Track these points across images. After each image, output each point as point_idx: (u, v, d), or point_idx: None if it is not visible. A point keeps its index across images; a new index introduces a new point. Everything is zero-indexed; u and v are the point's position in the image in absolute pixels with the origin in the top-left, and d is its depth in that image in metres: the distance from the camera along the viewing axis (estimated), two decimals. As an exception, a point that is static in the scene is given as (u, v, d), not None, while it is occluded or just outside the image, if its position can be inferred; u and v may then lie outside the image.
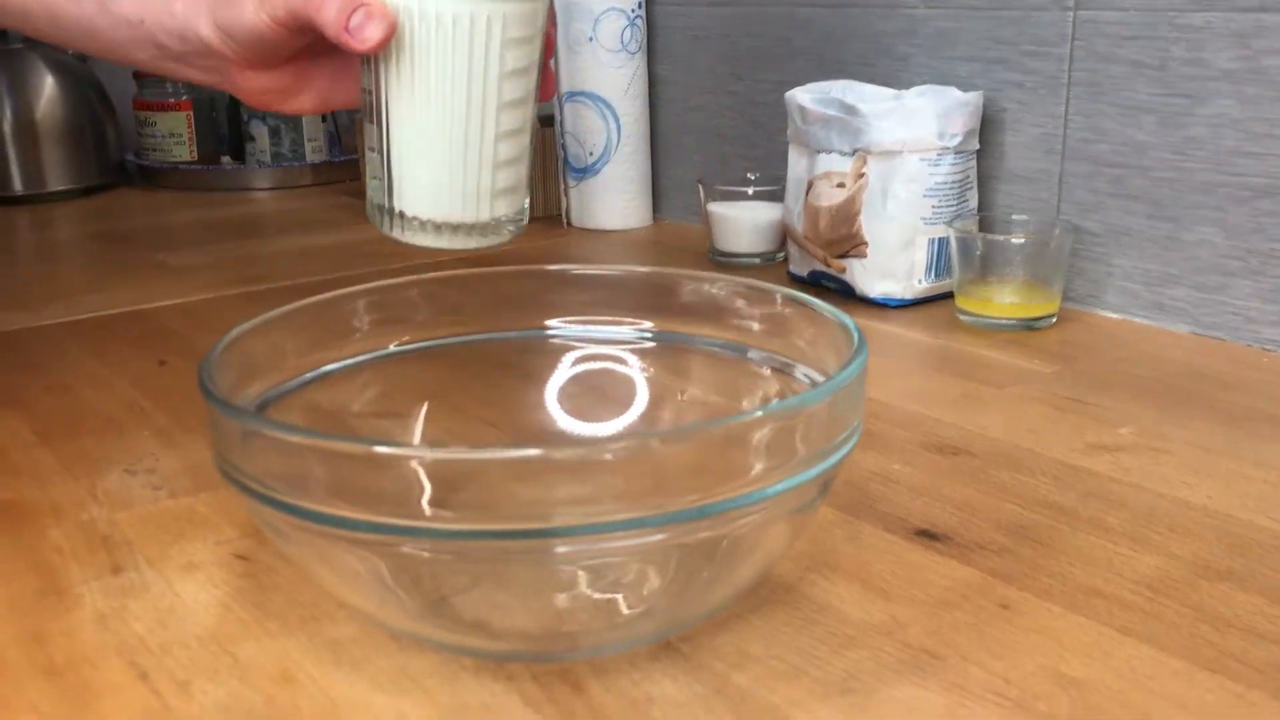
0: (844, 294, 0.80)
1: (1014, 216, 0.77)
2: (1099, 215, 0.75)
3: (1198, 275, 0.71)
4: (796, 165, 0.83)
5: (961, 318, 0.74)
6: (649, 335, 0.50)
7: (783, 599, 0.42)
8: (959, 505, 0.49)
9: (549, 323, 0.51)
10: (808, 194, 0.81)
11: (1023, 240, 0.74)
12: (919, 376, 0.66)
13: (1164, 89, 0.70)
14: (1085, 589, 0.42)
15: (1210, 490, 0.50)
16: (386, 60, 0.50)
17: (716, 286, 0.48)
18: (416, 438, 0.48)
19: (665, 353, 0.50)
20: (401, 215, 0.52)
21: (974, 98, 0.77)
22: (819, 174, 0.80)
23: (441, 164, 0.51)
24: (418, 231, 0.53)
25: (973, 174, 0.79)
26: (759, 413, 0.36)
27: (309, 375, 0.46)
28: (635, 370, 0.50)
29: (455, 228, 0.53)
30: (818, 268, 0.82)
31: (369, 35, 0.49)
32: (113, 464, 0.55)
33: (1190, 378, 0.64)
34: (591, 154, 1.03)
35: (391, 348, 0.49)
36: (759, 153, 0.98)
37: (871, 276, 0.78)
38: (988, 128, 0.79)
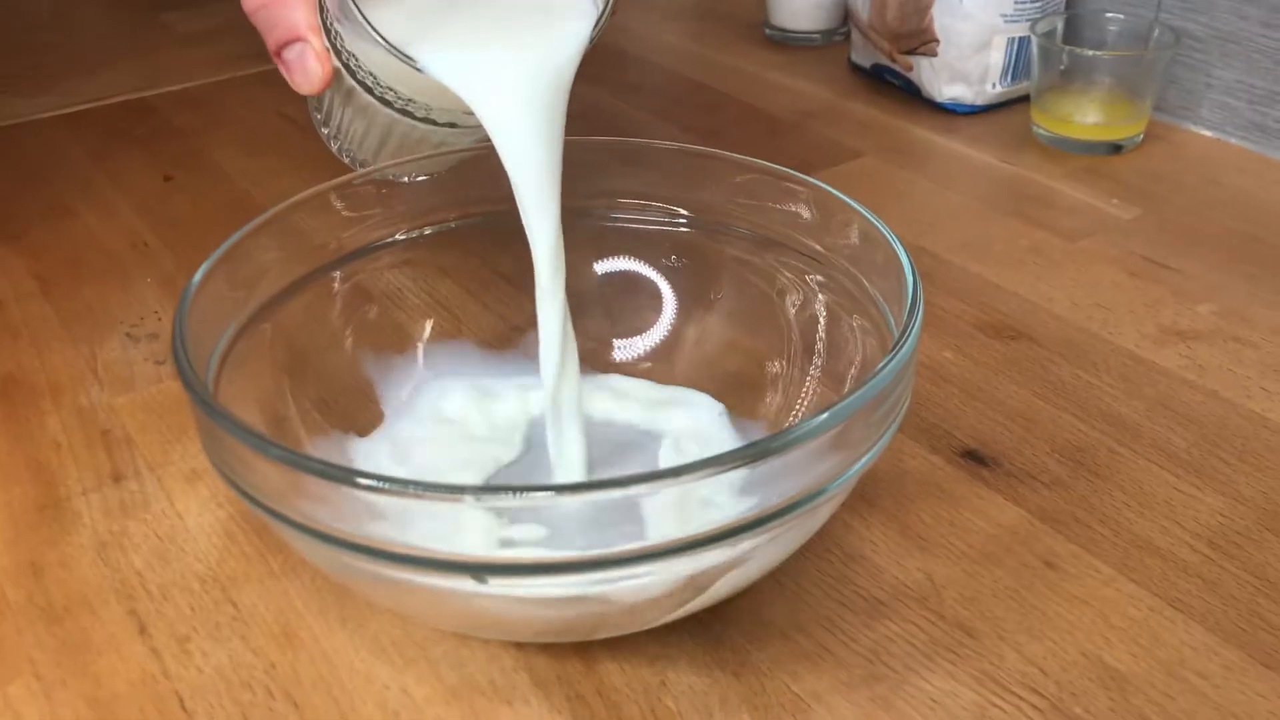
0: (909, 93, 0.73)
1: (1107, 15, 0.68)
2: (1205, 17, 0.66)
3: (1309, 98, 0.63)
4: (866, -57, 0.73)
5: (1037, 132, 0.67)
6: (685, 222, 0.45)
7: (814, 546, 0.39)
8: (1013, 416, 0.45)
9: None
10: (875, -22, 0.72)
11: (1112, 56, 0.66)
12: (981, 219, 0.60)
13: (1302, -124, 0.60)
14: (1140, 543, 0.39)
15: (1291, 403, 0.46)
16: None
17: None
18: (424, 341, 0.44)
19: (703, 246, 0.45)
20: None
21: (1075, -127, 0.66)
22: (889, -44, 0.70)
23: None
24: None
25: (1065, -41, 0.69)
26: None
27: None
28: (667, 268, 0.46)
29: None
30: (882, 61, 0.74)
31: (295, 78, 0.41)
32: (114, 325, 0.52)
33: (1285, 230, 0.58)
34: (637, -102, 0.93)
35: (399, 236, 0.44)
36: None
37: (940, 78, 0.70)
38: (1088, -98, 0.69)
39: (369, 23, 0.35)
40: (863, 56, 0.76)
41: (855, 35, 0.76)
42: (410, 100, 0.41)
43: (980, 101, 0.71)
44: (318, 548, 0.31)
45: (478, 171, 0.43)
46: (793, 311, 0.43)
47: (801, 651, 0.36)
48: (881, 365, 0.32)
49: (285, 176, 0.64)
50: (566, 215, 0.38)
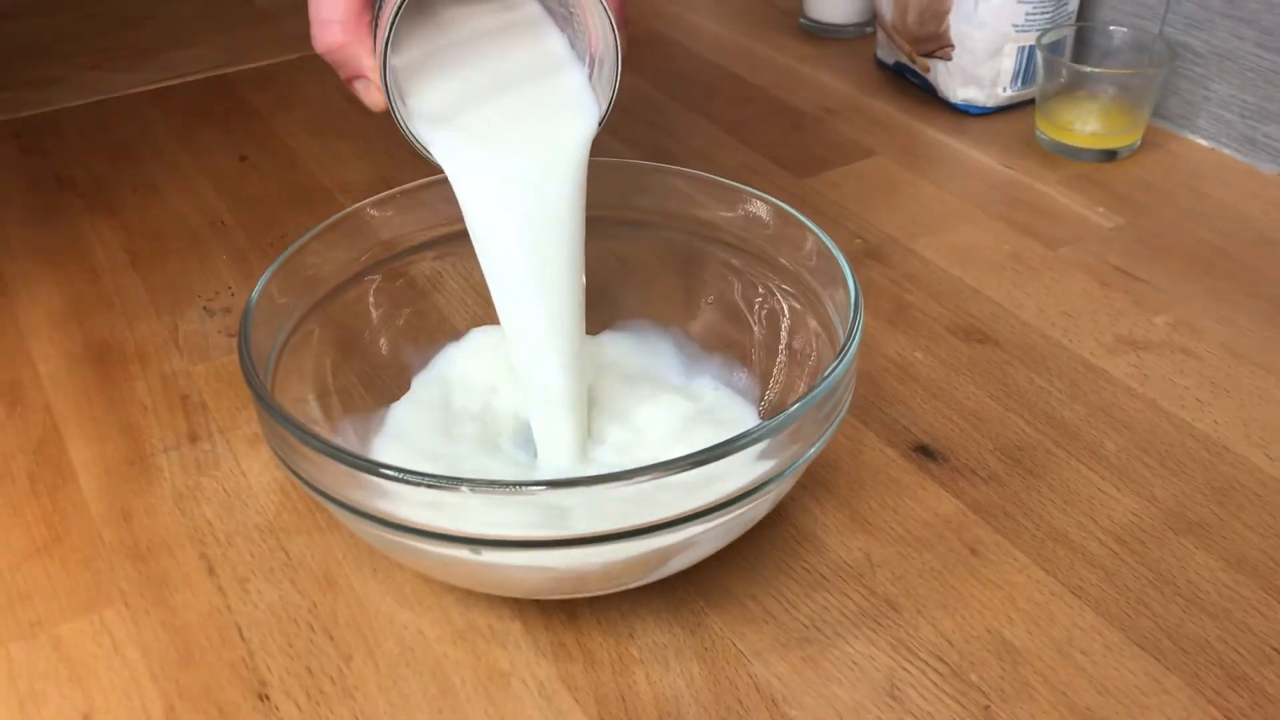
0: (926, 92, 0.78)
1: (1112, 28, 0.72)
2: (1205, 34, 0.70)
3: (1295, 116, 0.67)
4: (891, -52, 0.78)
5: (1039, 137, 0.72)
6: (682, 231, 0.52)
7: (774, 525, 0.46)
8: (967, 415, 0.52)
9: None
10: (898, -18, 0.76)
11: (1109, 72, 0.70)
12: (973, 223, 0.65)
13: (1296, -92, 0.64)
14: (1056, 536, 0.46)
15: (1219, 414, 0.51)
16: None
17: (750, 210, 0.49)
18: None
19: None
20: None
21: (1086, -106, 0.70)
22: (911, -36, 0.75)
23: None
24: None
25: (1076, -26, 0.73)
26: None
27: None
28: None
29: None
30: (903, 60, 0.79)
31: (371, 104, 0.45)
32: (193, 299, 0.60)
33: (1258, 245, 0.63)
34: (688, -115, 0.97)
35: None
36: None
37: (955, 81, 0.75)
38: (1103, -83, 0.73)
39: (399, 117, 0.41)
40: (887, 54, 0.81)
41: (880, 34, 0.81)
42: None
43: (992, 103, 0.75)
44: (345, 516, 0.38)
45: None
46: (761, 311, 0.49)
47: (750, 616, 0.43)
48: (813, 387, 0.38)
49: (350, 163, 0.71)
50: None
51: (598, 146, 0.43)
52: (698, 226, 0.51)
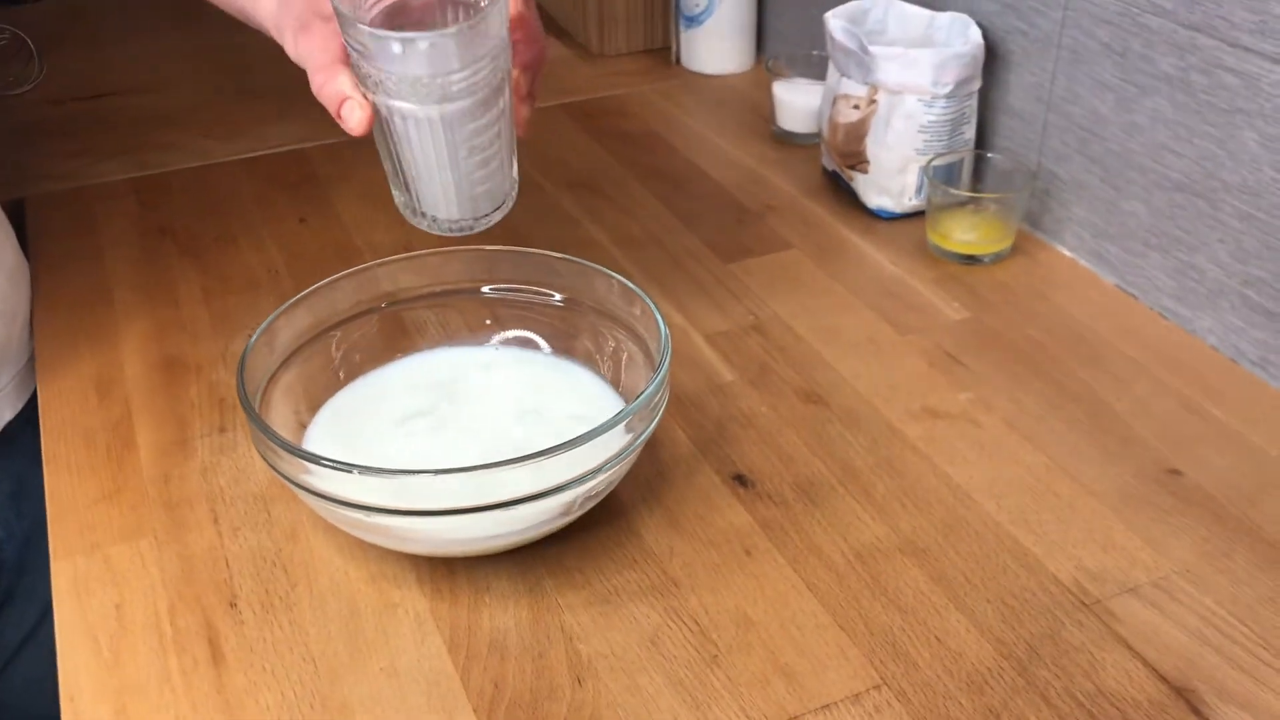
0: (852, 197, 0.95)
1: (990, 156, 0.88)
2: (1068, 166, 0.86)
3: (1127, 240, 0.82)
4: (831, 77, 0.95)
5: (929, 241, 0.88)
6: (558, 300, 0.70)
7: (612, 521, 0.64)
8: (782, 455, 0.69)
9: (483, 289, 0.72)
10: (833, 108, 0.94)
11: (965, 193, 0.86)
12: (849, 310, 0.82)
13: (1122, 75, 0.79)
14: (812, 547, 0.62)
15: (974, 472, 0.67)
16: (382, 130, 0.66)
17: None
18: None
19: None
20: (422, 215, 0.71)
21: (970, 50, 0.86)
22: (841, 94, 0.92)
23: (437, 190, 0.69)
24: (433, 225, 0.72)
25: (970, 111, 0.90)
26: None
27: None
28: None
29: (459, 221, 0.72)
30: (837, 169, 0.96)
31: (351, 125, 0.62)
32: (241, 328, 0.80)
33: (1071, 343, 0.78)
34: (698, 5, 1.16)
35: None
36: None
37: (871, 190, 0.92)
38: (999, 63, 0.89)
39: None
40: (828, 162, 0.98)
41: (822, 145, 0.98)
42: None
43: (900, 210, 0.92)
44: (295, 490, 0.58)
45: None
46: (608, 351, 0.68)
47: (574, 582, 0.61)
48: (640, 395, 0.56)
49: (380, 227, 0.92)
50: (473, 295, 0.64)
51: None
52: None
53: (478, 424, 0.66)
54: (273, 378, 0.64)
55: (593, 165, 1.03)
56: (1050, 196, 0.88)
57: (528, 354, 0.72)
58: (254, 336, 0.63)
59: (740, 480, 0.67)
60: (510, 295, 0.71)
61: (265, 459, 0.58)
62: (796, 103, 1.03)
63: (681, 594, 0.60)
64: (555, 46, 1.26)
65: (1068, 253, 0.88)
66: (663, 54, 1.24)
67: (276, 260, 0.89)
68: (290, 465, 0.56)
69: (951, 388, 0.74)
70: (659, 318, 0.62)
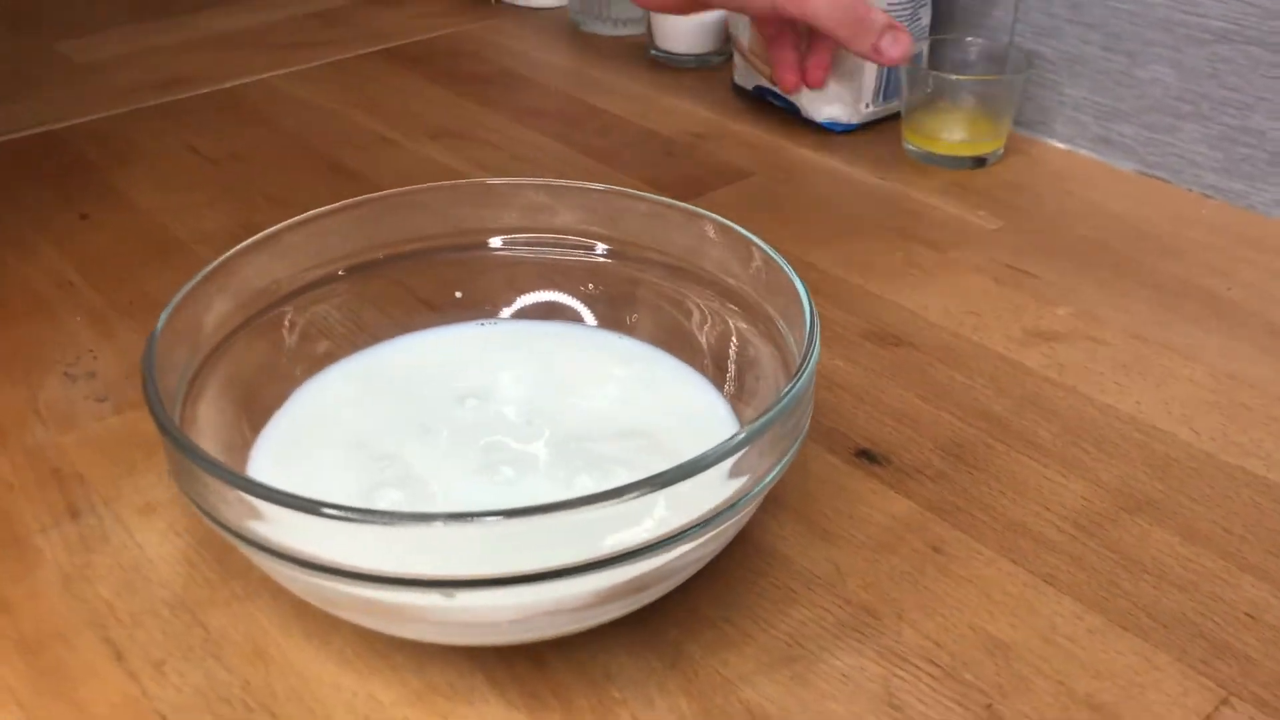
0: (790, 114, 0.78)
1: (968, 39, 0.74)
2: (1054, 41, 0.73)
3: (1147, 114, 0.70)
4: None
5: (908, 149, 0.73)
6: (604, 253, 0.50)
7: (734, 542, 0.44)
8: (899, 417, 0.51)
9: (492, 241, 0.50)
10: (755, 6, 0.77)
11: (972, 79, 0.72)
12: (862, 234, 0.65)
13: (1134, -84, 0.67)
14: (1014, 526, 0.45)
15: (1139, 395, 0.52)
16: None
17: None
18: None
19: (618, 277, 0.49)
20: None
21: (933, -90, 0.72)
22: (768, -14, 0.75)
23: None
24: None
25: (928, -10, 0.75)
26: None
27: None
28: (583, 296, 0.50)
29: None
30: (763, 84, 0.79)
31: (895, 55, 0.62)
32: (50, 364, 0.54)
33: (1133, 237, 0.65)
34: (523, -75, 0.96)
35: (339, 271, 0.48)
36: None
37: (818, 100, 0.76)
38: (946, -65, 0.75)
39: None
40: (745, 79, 0.81)
41: (737, 58, 0.81)
42: None
43: (856, 120, 0.76)
44: (285, 569, 0.34)
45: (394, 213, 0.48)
46: (705, 334, 0.47)
47: (728, 639, 0.40)
48: (784, 391, 0.36)
49: (204, 211, 0.66)
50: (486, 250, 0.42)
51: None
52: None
53: (528, 445, 0.44)
54: (193, 383, 0.40)
55: (453, 112, 0.80)
56: (1033, 82, 0.75)
57: (571, 329, 0.50)
58: (160, 322, 0.38)
59: (868, 456, 0.49)
60: (536, 248, 0.50)
61: (211, 516, 0.34)
62: (680, 18, 0.86)
63: (887, 625, 0.41)
64: (339, -6, 1.03)
65: (1061, 145, 0.75)
66: (472, -6, 1.02)
67: (64, 269, 0.62)
68: (269, 520, 0.33)
69: (1041, 304, 0.59)
70: (798, 284, 0.42)
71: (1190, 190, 0.70)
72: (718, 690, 0.38)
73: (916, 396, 0.52)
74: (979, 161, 0.72)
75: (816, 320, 0.40)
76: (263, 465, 0.42)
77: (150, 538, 0.44)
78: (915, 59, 0.72)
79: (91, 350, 0.55)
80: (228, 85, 0.84)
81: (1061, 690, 0.38)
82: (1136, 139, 0.71)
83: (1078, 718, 0.37)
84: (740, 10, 0.64)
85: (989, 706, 0.38)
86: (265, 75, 0.86)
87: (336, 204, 0.47)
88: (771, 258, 0.43)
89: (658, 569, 0.35)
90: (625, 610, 0.38)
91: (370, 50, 0.90)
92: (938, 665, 0.39)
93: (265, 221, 0.46)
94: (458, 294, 0.50)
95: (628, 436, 0.44)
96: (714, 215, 0.47)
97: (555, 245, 0.50)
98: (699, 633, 0.40)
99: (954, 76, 0.71)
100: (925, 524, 0.45)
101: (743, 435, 0.35)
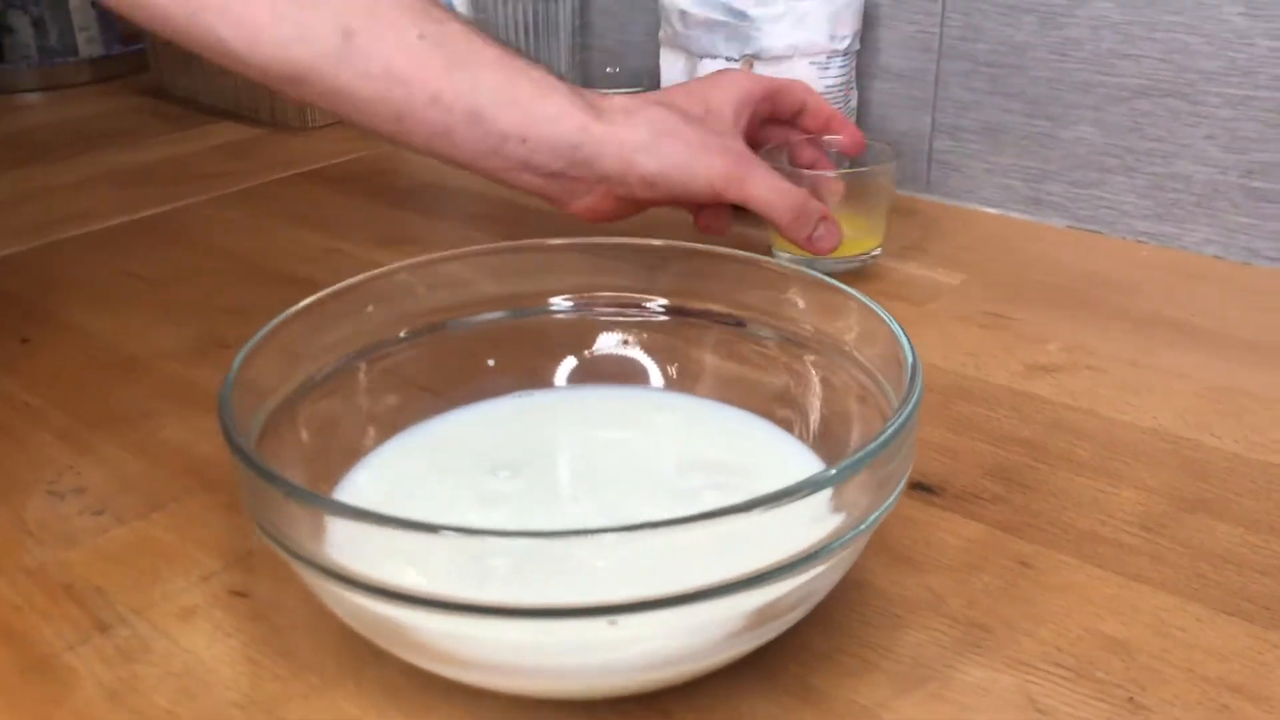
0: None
1: (825, 138, 0.71)
2: (976, 113, 0.77)
3: (1074, 171, 0.74)
4: (672, 69, 0.80)
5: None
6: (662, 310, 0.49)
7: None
8: (938, 450, 0.51)
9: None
10: (689, 99, 0.78)
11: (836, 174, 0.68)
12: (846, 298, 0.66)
13: (1044, -10, 0.72)
14: (1087, 535, 0.45)
15: (1153, 410, 0.53)
16: None
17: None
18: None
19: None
20: None
21: (856, -3, 0.76)
22: (701, 79, 0.77)
23: None
24: None
25: (854, 74, 0.78)
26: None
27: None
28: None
29: None
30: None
31: (825, 247, 0.62)
32: (29, 484, 0.49)
33: (1088, 280, 0.67)
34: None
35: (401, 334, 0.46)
36: (619, 46, 0.95)
37: (759, 183, 0.77)
38: (865, 20, 0.79)
39: None
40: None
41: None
42: None
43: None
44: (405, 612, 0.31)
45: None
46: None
47: (851, 669, 0.38)
48: (900, 406, 0.36)
49: (155, 329, 0.62)
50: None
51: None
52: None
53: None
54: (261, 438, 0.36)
55: (397, 222, 0.79)
56: (955, 153, 0.78)
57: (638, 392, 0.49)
58: (234, 367, 0.35)
59: (922, 487, 0.48)
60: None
61: (357, 583, 0.31)
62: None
63: (1002, 638, 0.40)
64: (242, 130, 1.00)
65: (993, 210, 0.78)
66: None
67: (15, 392, 0.57)
68: (417, 562, 0.30)
69: (1030, 342, 0.60)
70: (898, 330, 0.42)
71: (1124, 239, 0.73)
72: (859, 718, 0.36)
73: (947, 431, 0.52)
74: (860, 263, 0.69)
75: (916, 357, 0.40)
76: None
77: (198, 641, 0.40)
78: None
79: (72, 466, 0.50)
80: (142, 215, 0.80)
81: (1194, 676, 0.38)
82: (1066, 196, 0.75)
83: (1221, 699, 0.37)
84: (681, 203, 0.62)
85: (1131, 699, 0.37)
86: (182, 203, 0.82)
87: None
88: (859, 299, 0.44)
89: (803, 585, 0.34)
90: (756, 643, 0.36)
91: (289, 174, 0.88)
92: (1067, 668, 0.38)
93: (229, 334, 0.44)
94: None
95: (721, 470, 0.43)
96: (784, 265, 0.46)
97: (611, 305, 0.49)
98: (818, 667, 0.39)
99: (808, 171, 0.66)
100: (1002, 542, 0.45)
101: (876, 443, 0.34)
